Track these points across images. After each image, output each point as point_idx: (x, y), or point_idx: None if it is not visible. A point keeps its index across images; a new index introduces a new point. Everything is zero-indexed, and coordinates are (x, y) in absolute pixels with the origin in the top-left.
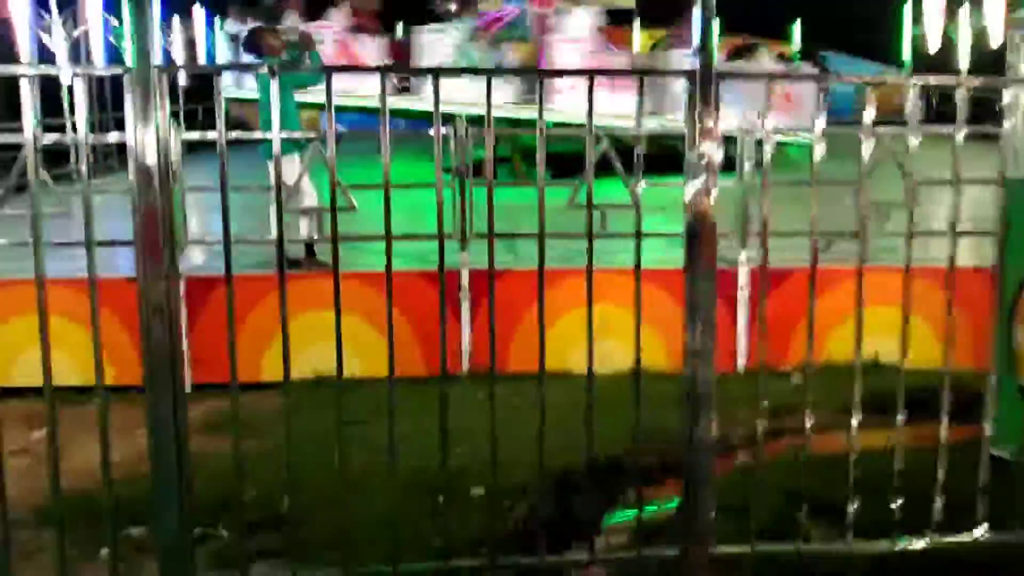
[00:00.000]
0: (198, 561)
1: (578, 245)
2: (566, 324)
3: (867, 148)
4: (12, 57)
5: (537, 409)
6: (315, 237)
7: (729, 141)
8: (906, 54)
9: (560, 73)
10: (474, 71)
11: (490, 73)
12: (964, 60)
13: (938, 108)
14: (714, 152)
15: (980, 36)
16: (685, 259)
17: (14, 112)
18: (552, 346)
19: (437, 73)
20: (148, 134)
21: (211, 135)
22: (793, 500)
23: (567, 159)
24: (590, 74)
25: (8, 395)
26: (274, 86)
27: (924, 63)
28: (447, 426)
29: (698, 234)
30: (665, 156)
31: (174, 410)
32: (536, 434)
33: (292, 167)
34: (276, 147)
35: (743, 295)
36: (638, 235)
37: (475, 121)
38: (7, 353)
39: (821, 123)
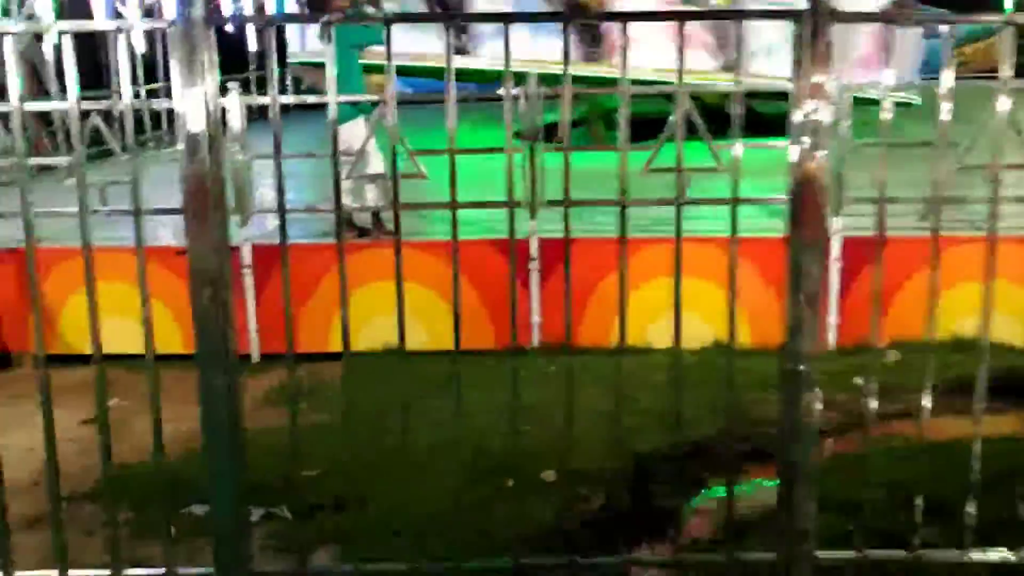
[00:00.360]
0: (257, 544)
1: (654, 212)
2: (642, 297)
3: (1001, 104)
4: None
5: (610, 386)
6: (382, 205)
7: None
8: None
9: (649, 16)
10: (551, 16)
11: (567, 19)
12: None
13: None
14: (825, 109)
15: None
16: (789, 227)
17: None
18: (628, 320)
19: (507, 19)
20: (194, 95)
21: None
22: (896, 495)
23: (643, 122)
24: (680, 16)
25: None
26: (332, 44)
27: None
28: (517, 403)
29: (804, 200)
30: (746, 117)
31: (227, 383)
32: (610, 413)
33: (357, 132)
34: (332, 110)
35: (835, 266)
36: (735, 201)
37: (542, 81)
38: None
39: (949, 79)
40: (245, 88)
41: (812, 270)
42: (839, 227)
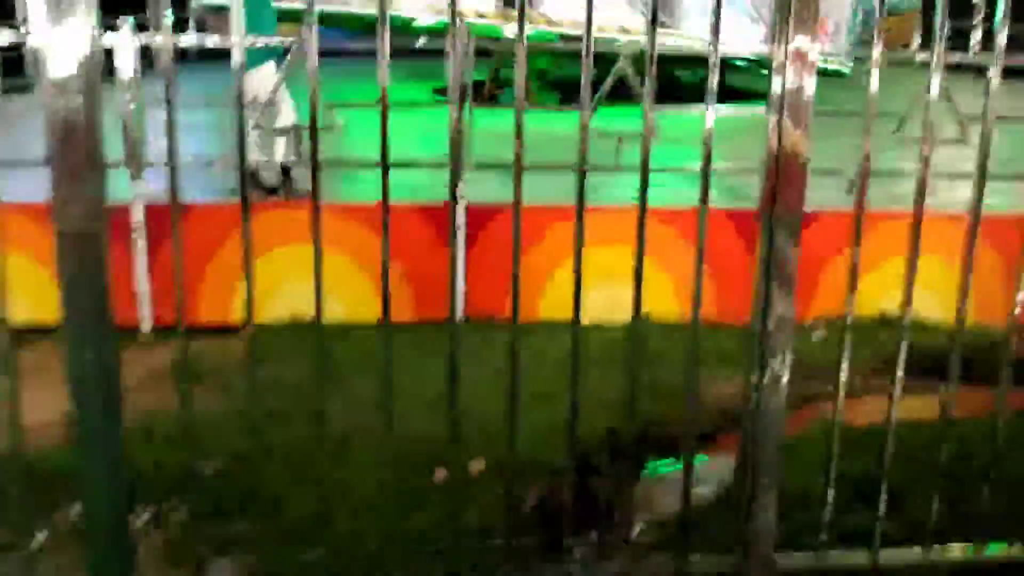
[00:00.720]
0: (145, 551)
1: (591, 179)
2: (570, 268)
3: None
4: None
5: (541, 364)
6: (293, 160)
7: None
8: None
9: None
10: None
11: None
12: None
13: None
14: (810, 79)
15: None
16: (762, 202)
17: None
18: (557, 293)
19: None
20: (61, 34)
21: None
22: (841, 483)
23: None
24: None
25: None
26: None
27: None
28: (449, 385)
29: (785, 175)
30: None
31: (101, 359)
32: (543, 394)
33: (266, 78)
34: (236, 53)
35: None
36: (644, 169)
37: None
38: None
39: (878, 49)
40: (143, 30)
41: (789, 249)
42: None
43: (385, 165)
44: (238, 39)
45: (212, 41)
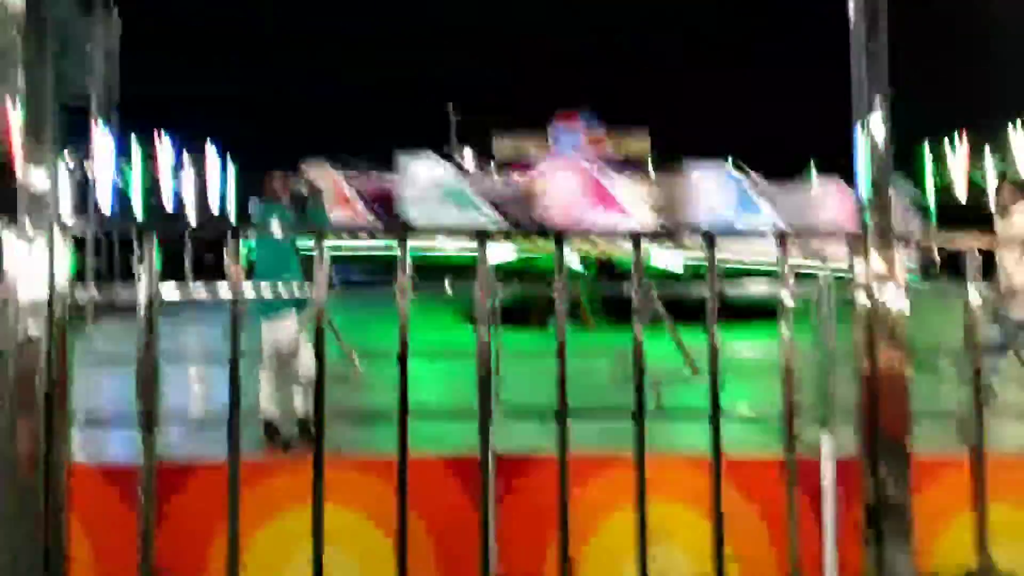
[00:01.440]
0: None
1: (628, 424)
2: (617, 524)
3: None
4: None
5: None
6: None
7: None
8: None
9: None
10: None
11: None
12: None
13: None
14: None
15: None
16: (863, 446)
17: None
18: (599, 553)
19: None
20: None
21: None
22: None
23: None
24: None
25: None
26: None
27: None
28: None
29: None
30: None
31: None
32: None
33: (286, 328)
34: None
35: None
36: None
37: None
38: None
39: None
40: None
41: (900, 491)
42: (829, 448)
43: (404, 414)
44: (233, 292)
45: (220, 290)
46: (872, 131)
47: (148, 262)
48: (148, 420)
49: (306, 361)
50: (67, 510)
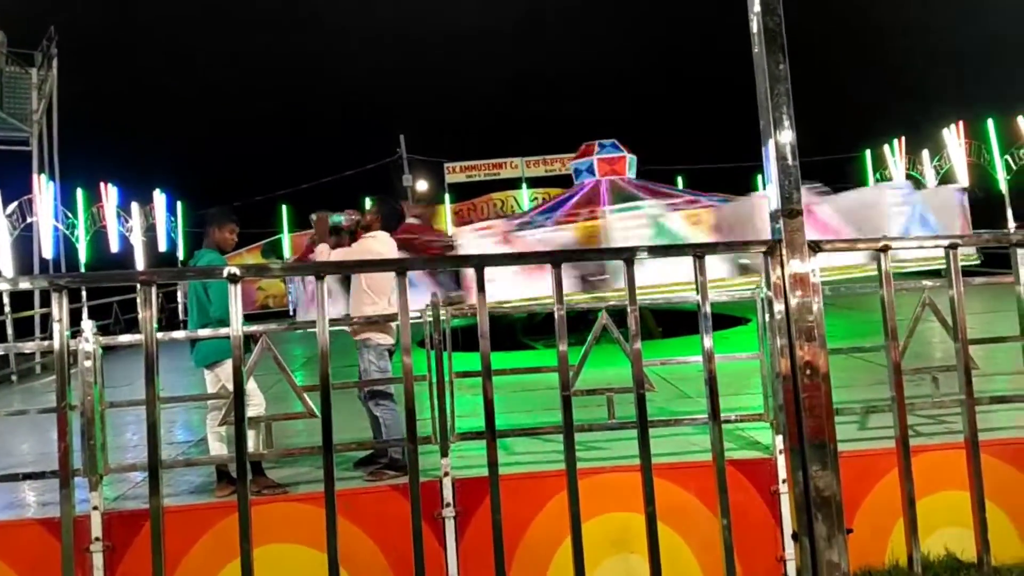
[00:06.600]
0: None
1: (585, 437)
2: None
3: None
4: None
5: None
6: (264, 452)
7: None
8: None
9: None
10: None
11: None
12: None
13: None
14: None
15: None
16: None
17: None
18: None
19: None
20: None
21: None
22: None
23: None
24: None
25: None
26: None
27: None
28: None
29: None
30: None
31: None
32: None
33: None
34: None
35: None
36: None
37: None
38: None
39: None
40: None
41: (830, 480)
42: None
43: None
44: (146, 340)
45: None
46: (780, 145)
47: (60, 314)
48: (64, 472)
49: (256, 400)
50: None
